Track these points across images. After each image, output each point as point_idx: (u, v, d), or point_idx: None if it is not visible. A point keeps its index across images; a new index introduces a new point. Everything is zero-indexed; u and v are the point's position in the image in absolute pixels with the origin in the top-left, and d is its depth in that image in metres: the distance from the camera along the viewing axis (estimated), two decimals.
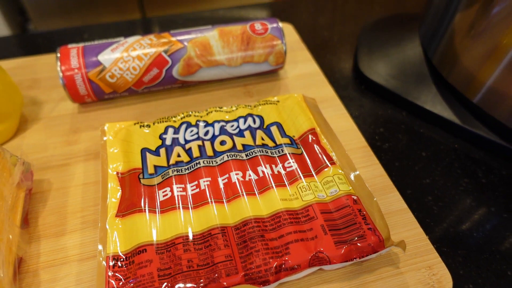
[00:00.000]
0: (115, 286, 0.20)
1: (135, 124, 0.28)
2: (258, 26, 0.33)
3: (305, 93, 0.34)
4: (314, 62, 0.38)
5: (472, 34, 0.30)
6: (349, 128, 0.31)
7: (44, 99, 0.33)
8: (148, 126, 0.28)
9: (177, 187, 0.24)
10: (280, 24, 0.33)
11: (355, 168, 0.26)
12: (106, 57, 0.30)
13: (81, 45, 0.31)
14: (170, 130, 0.28)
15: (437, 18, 0.35)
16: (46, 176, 0.27)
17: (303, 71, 0.36)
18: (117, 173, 0.25)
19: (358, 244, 0.21)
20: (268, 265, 0.21)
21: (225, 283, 0.20)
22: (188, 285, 0.20)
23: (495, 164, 0.30)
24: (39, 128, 0.31)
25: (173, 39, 0.31)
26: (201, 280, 0.20)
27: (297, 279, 0.22)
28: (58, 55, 0.30)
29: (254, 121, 0.29)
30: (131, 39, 0.31)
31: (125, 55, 0.30)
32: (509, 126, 0.29)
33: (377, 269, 0.23)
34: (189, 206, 0.23)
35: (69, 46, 0.31)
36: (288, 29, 0.42)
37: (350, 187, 0.24)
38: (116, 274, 0.20)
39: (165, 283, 0.20)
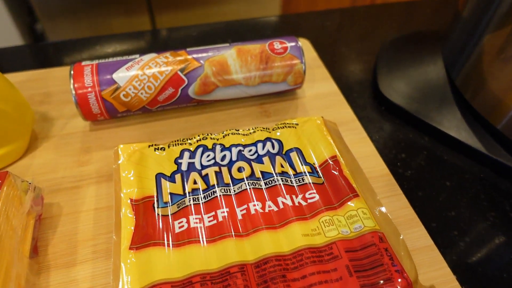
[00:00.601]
0: None
1: (149, 146, 0.27)
2: (277, 45, 0.32)
3: (323, 114, 0.33)
4: (332, 80, 0.36)
5: (502, 57, 0.29)
6: (370, 154, 0.30)
7: (56, 115, 0.33)
8: (163, 149, 0.27)
9: (194, 218, 0.23)
10: (300, 43, 0.32)
11: (379, 202, 0.25)
12: (121, 75, 0.29)
13: (95, 62, 0.30)
14: (186, 154, 0.27)
15: (463, 38, 0.33)
16: (56, 200, 0.27)
17: (321, 90, 0.35)
18: (131, 199, 0.24)
19: (388, 284, 0.20)
20: None
21: None
22: None
23: None
24: (50, 147, 0.30)
25: (190, 57, 0.30)
26: None
27: None
28: (72, 72, 0.29)
29: (273, 146, 0.28)
30: (147, 57, 0.30)
31: (140, 74, 0.29)
32: None
33: None
34: (207, 239, 0.22)
35: (83, 63, 0.30)
36: (305, 44, 0.41)
37: (375, 223, 0.23)
38: None
39: None
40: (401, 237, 0.23)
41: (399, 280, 0.21)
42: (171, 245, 0.22)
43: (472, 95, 0.32)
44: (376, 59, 0.39)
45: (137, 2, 1.36)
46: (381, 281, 0.20)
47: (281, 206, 0.24)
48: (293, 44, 0.32)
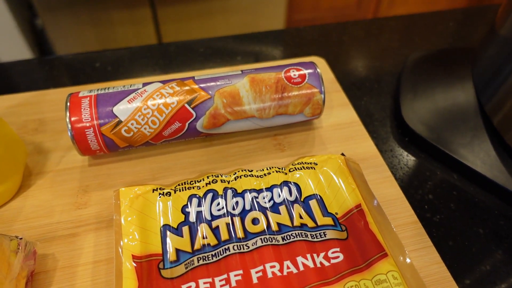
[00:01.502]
0: None
1: (153, 191, 0.25)
2: (294, 73, 0.29)
3: (343, 148, 0.30)
4: (351, 107, 0.34)
5: None
6: (395, 197, 0.27)
7: (51, 147, 0.30)
8: (168, 194, 0.25)
9: (203, 282, 0.21)
10: (319, 70, 0.29)
11: (412, 263, 0.22)
12: (122, 108, 0.26)
13: (94, 93, 0.27)
14: (194, 201, 0.24)
15: (498, 59, 0.30)
16: (50, 250, 0.24)
17: (339, 119, 0.33)
18: (133, 256, 0.22)
19: None
20: None
21: None
22: None
23: None
24: (44, 185, 0.27)
25: (198, 87, 0.28)
26: None
27: None
28: (68, 104, 0.26)
29: (290, 192, 0.25)
30: (151, 88, 0.27)
31: (144, 107, 0.27)
32: None
33: None
34: None
35: (80, 94, 0.27)
36: (321, 64, 0.38)
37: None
38: None
39: None
40: None
41: None
42: None
43: (504, 126, 0.29)
44: (398, 81, 0.37)
45: None
46: None
47: (301, 267, 0.21)
48: (311, 71, 0.29)
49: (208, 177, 0.26)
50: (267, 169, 0.26)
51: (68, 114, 0.26)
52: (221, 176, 0.26)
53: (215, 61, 0.40)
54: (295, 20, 1.92)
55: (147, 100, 0.27)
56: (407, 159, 0.31)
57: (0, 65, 0.38)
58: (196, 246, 0.22)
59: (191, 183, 0.25)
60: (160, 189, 0.25)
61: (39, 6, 1.25)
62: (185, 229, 0.23)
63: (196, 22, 1.49)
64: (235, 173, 0.26)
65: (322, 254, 0.22)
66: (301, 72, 0.29)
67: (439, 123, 0.32)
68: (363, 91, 0.37)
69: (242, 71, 0.29)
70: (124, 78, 0.38)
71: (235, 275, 0.21)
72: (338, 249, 0.22)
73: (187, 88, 0.28)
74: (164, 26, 1.48)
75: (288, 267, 0.21)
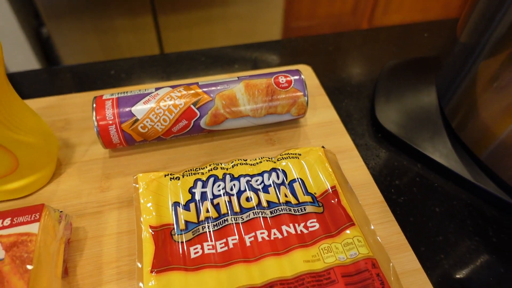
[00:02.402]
0: None
1: (165, 176, 0.30)
2: (282, 79, 0.34)
3: (324, 142, 0.36)
4: (333, 109, 0.39)
5: (495, 86, 0.31)
6: (366, 182, 0.33)
7: (76, 142, 0.35)
8: (178, 178, 0.30)
9: (207, 245, 0.26)
10: (303, 76, 0.35)
11: (374, 230, 0.27)
12: (139, 108, 0.32)
13: (115, 96, 0.32)
14: (199, 184, 0.30)
15: (456, 65, 0.36)
16: (81, 224, 0.29)
17: (322, 118, 0.38)
18: (150, 226, 0.27)
19: None
20: None
21: None
22: None
23: (506, 223, 0.31)
24: (73, 173, 0.33)
25: (201, 91, 0.33)
26: None
27: None
28: (94, 105, 0.32)
29: (278, 177, 0.30)
30: (162, 91, 0.33)
31: (157, 108, 0.32)
32: None
33: None
34: (219, 264, 0.25)
35: (104, 97, 0.32)
36: (307, 71, 0.43)
37: (369, 250, 0.26)
38: None
39: None
40: (391, 264, 0.26)
41: None
42: (189, 270, 0.25)
43: (459, 125, 0.35)
44: (374, 86, 0.42)
45: (140, 4, 1.39)
46: None
47: (285, 234, 0.27)
48: (296, 77, 0.35)
49: (210, 165, 0.31)
50: (259, 159, 0.32)
51: (94, 113, 0.32)
52: (221, 164, 0.31)
53: (215, 69, 0.46)
54: (292, 27, 1.98)
55: (159, 101, 0.32)
56: (379, 151, 0.37)
57: (27, 73, 0.44)
58: (201, 218, 0.28)
59: (196, 170, 0.31)
60: (170, 174, 0.30)
61: (45, 14, 1.31)
62: (192, 205, 0.28)
63: (196, 29, 1.55)
64: (233, 162, 0.31)
65: (302, 224, 0.28)
66: (288, 78, 0.35)
67: (406, 122, 0.37)
68: (345, 94, 0.43)
69: (238, 77, 0.35)
70: (135, 84, 0.43)
71: (232, 240, 0.26)
72: (315, 220, 0.28)
73: (192, 91, 0.33)
74: (165, 34, 1.54)
75: (274, 234, 0.27)
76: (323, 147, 0.33)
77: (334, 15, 2.04)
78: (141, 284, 0.24)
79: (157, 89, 0.33)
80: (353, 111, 0.40)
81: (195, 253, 0.26)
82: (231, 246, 0.26)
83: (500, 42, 0.30)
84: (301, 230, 0.27)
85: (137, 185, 0.29)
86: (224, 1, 1.48)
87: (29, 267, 0.22)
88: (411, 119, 0.37)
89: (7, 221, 0.24)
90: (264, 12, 1.58)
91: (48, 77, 0.44)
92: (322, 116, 0.38)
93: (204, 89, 0.33)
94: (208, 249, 0.26)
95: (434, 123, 0.37)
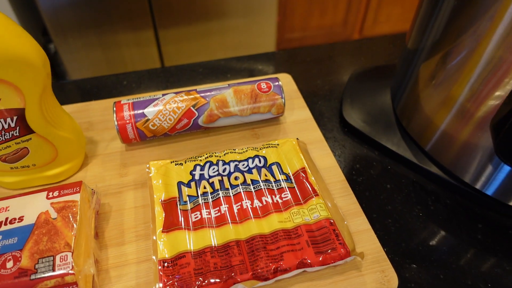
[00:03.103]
0: (165, 280, 0.30)
1: (171, 162, 0.38)
2: (263, 85, 0.43)
3: (299, 136, 0.44)
4: (307, 109, 0.47)
5: (433, 83, 0.40)
6: (332, 165, 0.41)
7: (99, 139, 0.44)
8: (181, 164, 0.38)
9: (205, 212, 0.34)
10: (280, 83, 0.44)
11: (332, 199, 0.36)
12: (150, 110, 0.40)
13: (130, 101, 0.41)
14: (198, 168, 0.38)
15: (403, 69, 0.44)
16: (106, 201, 0.37)
17: (298, 117, 0.46)
18: (161, 200, 0.35)
19: (331, 254, 0.31)
20: (269, 267, 0.30)
21: (239, 279, 0.30)
22: (215, 280, 0.30)
23: (442, 195, 0.40)
24: (97, 163, 0.41)
25: (199, 96, 0.42)
26: (224, 277, 0.30)
27: (288, 278, 0.32)
28: (114, 108, 0.40)
29: (260, 161, 0.39)
30: (168, 96, 0.41)
31: (164, 109, 0.40)
32: (451, 170, 0.39)
33: (346, 271, 0.32)
34: (214, 225, 0.33)
35: (122, 102, 0.41)
36: (287, 79, 0.52)
37: (328, 213, 0.34)
38: (166, 272, 0.30)
39: (200, 278, 0.30)
40: (345, 223, 0.34)
41: (342, 249, 0.31)
42: (190, 229, 0.33)
43: (406, 120, 0.43)
44: (343, 91, 0.51)
45: (142, 20, 1.48)
46: (329, 250, 0.31)
47: (264, 203, 0.35)
48: (275, 83, 0.43)
49: (206, 154, 0.39)
50: (245, 148, 0.40)
51: (114, 115, 0.40)
52: (215, 153, 0.39)
53: (211, 78, 0.54)
54: (286, 39, 2.08)
55: (166, 104, 0.41)
56: (344, 142, 0.45)
57: (58, 85, 0.52)
58: (199, 193, 0.36)
59: (196, 157, 0.39)
60: (175, 161, 0.38)
61: (52, 30, 1.40)
62: (192, 184, 0.37)
63: (195, 42, 1.64)
64: (224, 151, 0.40)
65: (277, 196, 0.36)
66: (268, 84, 0.43)
67: (367, 119, 0.46)
68: (319, 97, 0.51)
69: (228, 84, 0.43)
70: (144, 92, 0.52)
71: (223, 207, 0.34)
72: (288, 193, 0.36)
73: (191, 96, 0.42)
74: (165, 47, 1.63)
75: (256, 203, 0.35)
76: (297, 139, 0.41)
77: (326, 26, 2.13)
78: (154, 237, 0.32)
79: (163, 95, 0.42)
80: (324, 111, 0.49)
81: (195, 217, 0.34)
82: (222, 212, 0.34)
83: (434, 46, 0.38)
84: (276, 200, 0.35)
85: (149, 171, 0.38)
86: (221, 15, 1.57)
87: (75, 224, 0.30)
88: (370, 116, 0.46)
89: (56, 193, 0.32)
90: (259, 25, 1.67)
91: (74, 88, 0.52)
92: (298, 115, 0.47)
93: (201, 94, 0.42)
94: (206, 214, 0.34)
95: (388, 119, 0.45)
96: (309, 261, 0.31)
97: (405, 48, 0.43)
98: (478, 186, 0.38)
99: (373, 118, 0.45)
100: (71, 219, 0.30)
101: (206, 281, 0.30)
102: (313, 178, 0.37)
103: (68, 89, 0.52)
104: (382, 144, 0.43)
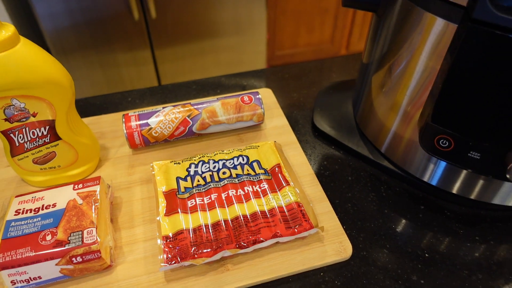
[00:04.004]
0: (168, 251, 0.38)
1: (171, 162, 0.47)
2: (246, 98, 0.52)
3: (276, 139, 0.53)
4: (284, 117, 0.57)
5: (384, 91, 0.49)
6: (303, 162, 0.50)
7: (110, 146, 0.52)
8: (179, 163, 0.47)
9: (198, 199, 0.43)
10: (260, 96, 0.53)
11: (301, 187, 0.44)
12: (152, 120, 0.49)
13: (136, 113, 0.50)
14: (193, 166, 0.46)
15: (360, 82, 0.54)
16: (118, 194, 0.46)
17: (276, 124, 0.55)
18: (163, 191, 0.44)
19: (298, 228, 0.39)
20: (249, 239, 0.39)
21: (225, 248, 0.38)
22: (207, 249, 0.38)
23: (392, 184, 0.48)
24: (109, 165, 0.50)
25: (193, 108, 0.51)
26: (213, 247, 0.38)
27: (265, 247, 0.40)
28: (123, 119, 0.49)
29: (243, 159, 0.47)
30: (167, 109, 0.50)
31: (164, 119, 0.49)
32: (400, 165, 0.48)
33: (311, 243, 0.41)
34: (206, 209, 0.42)
35: (129, 114, 0.50)
36: (268, 93, 0.61)
37: (297, 198, 0.42)
38: (168, 245, 0.38)
39: (194, 248, 0.38)
40: (310, 205, 0.42)
41: (307, 225, 0.40)
42: (187, 213, 0.41)
43: (364, 126, 0.52)
44: (314, 102, 0.60)
45: (139, 40, 1.58)
46: (297, 225, 0.40)
47: (246, 191, 0.43)
48: (256, 96, 0.52)
49: (200, 155, 0.48)
50: (232, 150, 0.49)
51: (124, 124, 0.49)
52: (207, 154, 0.48)
53: (203, 93, 0.63)
54: (276, 56, 2.19)
55: (165, 115, 0.50)
56: (315, 144, 0.54)
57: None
58: (194, 185, 0.44)
59: (191, 158, 0.48)
60: (174, 161, 0.47)
61: (54, 51, 1.49)
62: (188, 178, 0.45)
63: (190, 61, 1.74)
64: (214, 152, 0.48)
65: (257, 186, 0.44)
66: (250, 97, 0.52)
67: (333, 124, 0.55)
68: (295, 108, 0.60)
69: (217, 98, 0.52)
70: (146, 106, 0.61)
71: (213, 195, 0.43)
72: (265, 183, 0.44)
73: (187, 108, 0.50)
74: (161, 66, 1.72)
75: (240, 192, 0.43)
76: (274, 141, 0.50)
77: (315, 43, 2.25)
78: (158, 218, 0.40)
79: (163, 107, 0.51)
80: (299, 118, 0.58)
81: (190, 204, 0.42)
82: (213, 199, 0.43)
83: (381, 60, 0.47)
84: (256, 189, 0.44)
85: (152, 169, 0.46)
86: (214, 34, 1.68)
87: (96, 208, 0.38)
88: (336, 123, 0.55)
89: (80, 185, 0.40)
90: (250, 43, 1.78)
91: (86, 104, 0.61)
92: (276, 122, 0.56)
93: (195, 106, 0.51)
94: (199, 201, 0.43)
95: (350, 125, 0.54)
96: (280, 234, 0.39)
97: (361, 63, 0.53)
98: (421, 176, 0.47)
99: (338, 124, 0.54)
100: (94, 204, 0.38)
101: (200, 250, 0.38)
102: (286, 172, 0.46)
103: (80, 105, 0.61)
104: (345, 144, 0.52)
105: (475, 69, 0.32)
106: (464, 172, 0.43)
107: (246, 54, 1.82)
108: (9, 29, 0.35)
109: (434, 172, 0.46)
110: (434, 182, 0.46)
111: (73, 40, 1.50)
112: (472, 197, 0.45)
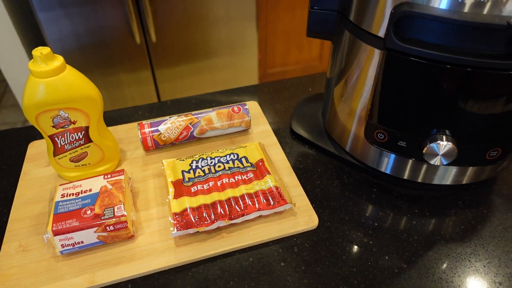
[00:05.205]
0: (177, 224, 0.50)
1: (177, 159, 0.59)
2: (236, 108, 0.65)
3: (261, 141, 0.66)
4: (268, 124, 0.70)
5: (343, 99, 0.62)
6: (282, 159, 0.62)
7: (126, 149, 0.65)
8: (183, 160, 0.59)
9: (199, 186, 0.55)
10: (247, 106, 0.66)
11: (280, 176, 0.57)
12: (162, 127, 0.62)
13: (149, 122, 0.63)
14: (194, 162, 0.59)
15: (326, 94, 0.67)
16: (135, 185, 0.58)
17: (261, 129, 0.68)
18: (171, 181, 0.56)
19: (277, 204, 0.52)
20: (238, 213, 0.51)
21: (220, 219, 0.50)
22: (206, 221, 0.50)
23: (353, 173, 0.61)
24: (127, 164, 0.62)
25: (193, 117, 0.63)
26: (212, 218, 0.50)
27: (251, 219, 0.52)
28: (138, 127, 0.62)
29: (234, 156, 0.60)
30: (173, 118, 0.63)
31: (170, 126, 0.62)
32: (359, 158, 0.60)
33: (287, 217, 0.53)
34: (205, 193, 0.54)
35: (143, 122, 0.62)
36: (255, 105, 0.74)
37: (276, 183, 0.55)
38: (176, 219, 0.50)
39: (197, 220, 0.50)
40: (286, 188, 0.55)
41: (283, 202, 0.52)
42: (191, 196, 0.54)
43: (330, 129, 0.65)
44: (293, 112, 0.73)
45: (141, 62, 1.71)
46: (275, 202, 0.52)
47: (236, 179, 0.56)
48: (244, 107, 0.65)
49: (199, 154, 0.61)
50: (225, 149, 0.61)
51: (139, 131, 0.61)
52: (205, 153, 0.61)
53: (201, 106, 0.76)
54: (268, 73, 2.34)
55: (172, 123, 0.62)
56: (292, 144, 0.66)
57: None
58: (196, 175, 0.57)
59: (193, 156, 0.60)
60: (180, 159, 0.60)
61: None
62: (191, 171, 0.57)
63: (188, 80, 1.87)
64: (211, 151, 0.61)
65: (245, 175, 0.57)
66: (239, 108, 0.65)
67: (307, 129, 0.68)
68: (278, 116, 0.73)
69: (213, 109, 0.65)
70: (155, 117, 0.73)
71: (211, 183, 0.55)
72: (251, 173, 0.57)
73: (188, 117, 0.63)
74: (161, 85, 1.86)
75: (231, 180, 0.56)
76: (259, 142, 0.63)
77: (304, 61, 2.40)
78: (168, 199, 0.53)
79: (170, 117, 0.64)
80: (280, 125, 0.71)
81: (193, 190, 0.55)
82: (210, 186, 0.55)
83: (339, 75, 0.60)
84: (244, 178, 0.56)
85: (162, 166, 0.59)
86: (209, 55, 1.82)
87: (123, 191, 0.50)
88: (309, 127, 0.68)
89: (109, 176, 0.53)
90: (242, 62, 1.93)
91: (105, 117, 0.74)
92: (261, 128, 0.69)
93: (195, 116, 0.64)
94: (199, 188, 0.55)
95: (320, 129, 0.67)
96: (262, 208, 0.51)
97: (326, 78, 0.66)
98: (377, 167, 0.59)
99: (311, 128, 0.67)
100: (121, 188, 0.51)
101: (201, 222, 0.50)
102: (268, 165, 0.58)
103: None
104: (316, 144, 0.65)
105: (393, 82, 0.45)
106: (410, 161, 0.56)
107: (239, 73, 1.97)
108: (59, 60, 0.48)
109: (387, 163, 0.59)
110: (388, 171, 0.59)
111: (80, 62, 1.62)
112: (419, 180, 0.57)
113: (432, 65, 0.42)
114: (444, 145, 0.46)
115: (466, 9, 0.39)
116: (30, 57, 1.66)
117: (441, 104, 0.45)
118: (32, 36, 1.72)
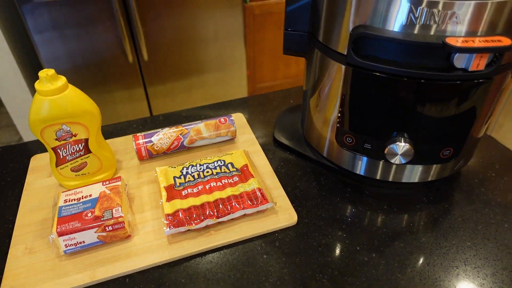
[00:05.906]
0: (169, 223, 0.55)
1: (169, 167, 0.65)
2: (222, 120, 0.71)
3: (246, 148, 0.72)
4: (252, 133, 0.76)
5: (318, 109, 0.69)
6: (265, 164, 0.69)
7: (122, 159, 0.71)
8: (175, 167, 0.65)
9: (189, 190, 0.61)
10: (233, 118, 0.72)
11: (262, 179, 0.63)
12: (154, 138, 0.68)
13: (143, 133, 0.68)
14: (184, 169, 0.65)
15: (303, 106, 0.74)
16: (131, 191, 0.64)
17: (246, 138, 0.75)
18: (164, 186, 0.62)
19: (260, 203, 0.58)
20: (224, 213, 0.56)
21: (208, 218, 0.56)
22: (195, 220, 0.55)
23: (329, 175, 0.67)
24: (123, 172, 0.68)
25: (184, 128, 0.70)
26: (202, 217, 0.56)
27: (236, 218, 0.58)
28: (133, 138, 0.68)
29: (221, 162, 0.66)
30: (164, 130, 0.69)
31: (163, 137, 0.68)
32: (335, 162, 0.67)
33: (269, 215, 0.59)
34: (195, 196, 0.60)
35: (137, 134, 0.68)
36: (240, 116, 0.81)
37: (259, 185, 0.61)
38: (168, 219, 0.56)
39: (188, 219, 0.55)
40: (268, 190, 0.61)
41: (265, 201, 0.58)
42: (182, 198, 0.59)
43: (308, 137, 0.72)
44: (275, 122, 0.80)
45: (133, 80, 1.78)
46: (258, 202, 0.58)
47: (223, 183, 0.62)
48: (230, 118, 0.72)
49: (189, 161, 0.66)
50: (213, 157, 0.67)
51: (134, 142, 0.67)
52: (195, 161, 0.67)
53: (191, 120, 0.82)
54: (258, 88, 2.42)
55: (164, 134, 0.68)
56: (274, 151, 0.73)
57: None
58: (186, 180, 0.62)
59: (183, 163, 0.66)
60: (171, 166, 0.65)
61: None
62: (182, 176, 0.63)
63: (179, 96, 1.94)
64: (200, 159, 0.67)
65: (231, 179, 0.63)
66: (225, 119, 0.72)
67: (288, 136, 0.74)
68: (262, 127, 0.80)
69: (201, 120, 0.72)
70: (148, 130, 0.79)
71: (200, 187, 0.61)
72: (237, 177, 0.63)
73: (179, 128, 0.69)
74: (153, 102, 1.92)
75: (219, 184, 0.62)
76: (244, 150, 0.69)
77: (292, 76, 2.48)
78: (161, 202, 0.58)
79: (162, 129, 0.70)
80: (263, 133, 0.77)
81: (184, 193, 0.60)
82: (200, 189, 0.61)
83: (313, 87, 0.67)
84: (230, 181, 0.62)
85: (156, 173, 0.64)
86: (200, 72, 1.89)
87: (120, 195, 0.56)
88: (290, 135, 0.74)
89: (107, 182, 0.58)
90: (232, 78, 2.01)
91: (103, 130, 0.79)
92: (246, 137, 0.75)
93: (185, 127, 0.70)
94: (190, 191, 0.61)
95: (299, 136, 0.74)
96: (246, 206, 0.57)
97: (303, 90, 0.73)
98: (352, 169, 0.66)
99: (291, 136, 0.74)
100: (118, 193, 0.56)
101: (191, 221, 0.56)
102: (251, 170, 0.64)
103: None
104: (296, 150, 0.71)
105: (356, 93, 0.52)
106: (381, 162, 0.62)
107: (229, 89, 2.04)
108: (63, 80, 0.55)
109: (360, 165, 0.65)
110: (362, 172, 0.65)
111: (74, 81, 1.68)
112: (390, 179, 0.64)
113: (388, 78, 0.49)
114: (402, 146, 0.53)
115: (414, 31, 0.47)
116: (26, 77, 1.71)
117: (399, 110, 0.52)
118: (27, 57, 1.78)
